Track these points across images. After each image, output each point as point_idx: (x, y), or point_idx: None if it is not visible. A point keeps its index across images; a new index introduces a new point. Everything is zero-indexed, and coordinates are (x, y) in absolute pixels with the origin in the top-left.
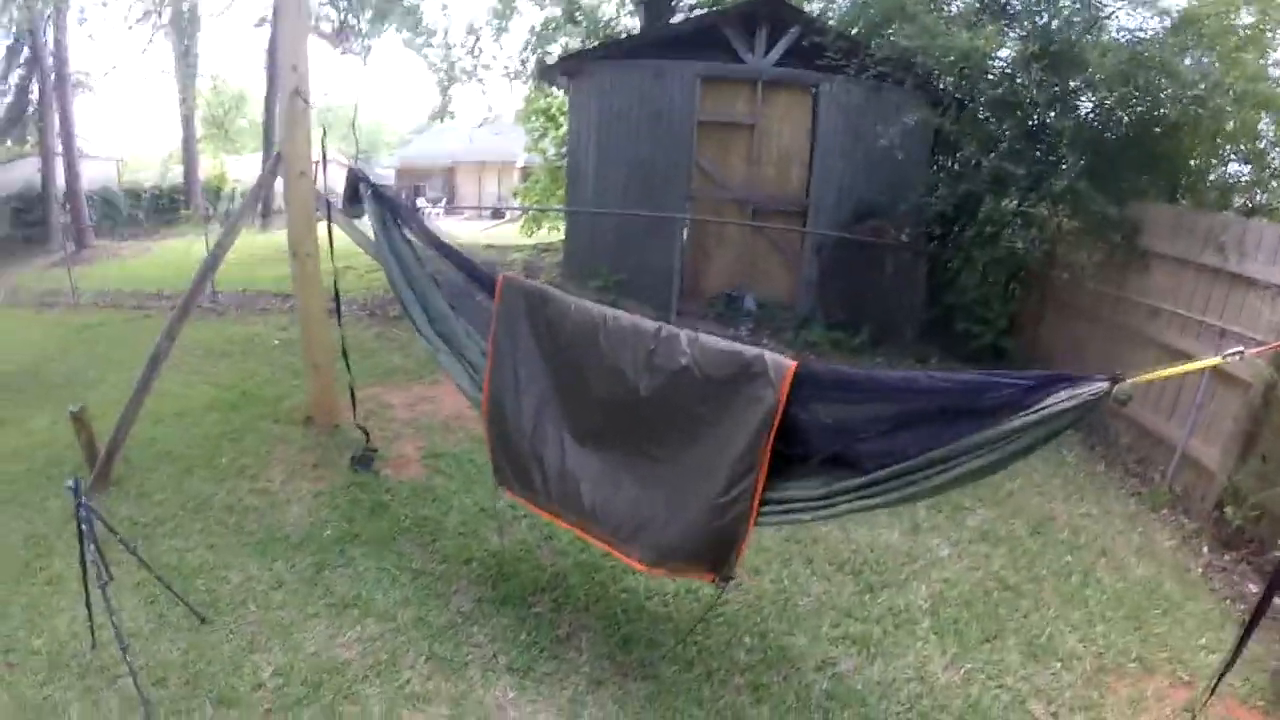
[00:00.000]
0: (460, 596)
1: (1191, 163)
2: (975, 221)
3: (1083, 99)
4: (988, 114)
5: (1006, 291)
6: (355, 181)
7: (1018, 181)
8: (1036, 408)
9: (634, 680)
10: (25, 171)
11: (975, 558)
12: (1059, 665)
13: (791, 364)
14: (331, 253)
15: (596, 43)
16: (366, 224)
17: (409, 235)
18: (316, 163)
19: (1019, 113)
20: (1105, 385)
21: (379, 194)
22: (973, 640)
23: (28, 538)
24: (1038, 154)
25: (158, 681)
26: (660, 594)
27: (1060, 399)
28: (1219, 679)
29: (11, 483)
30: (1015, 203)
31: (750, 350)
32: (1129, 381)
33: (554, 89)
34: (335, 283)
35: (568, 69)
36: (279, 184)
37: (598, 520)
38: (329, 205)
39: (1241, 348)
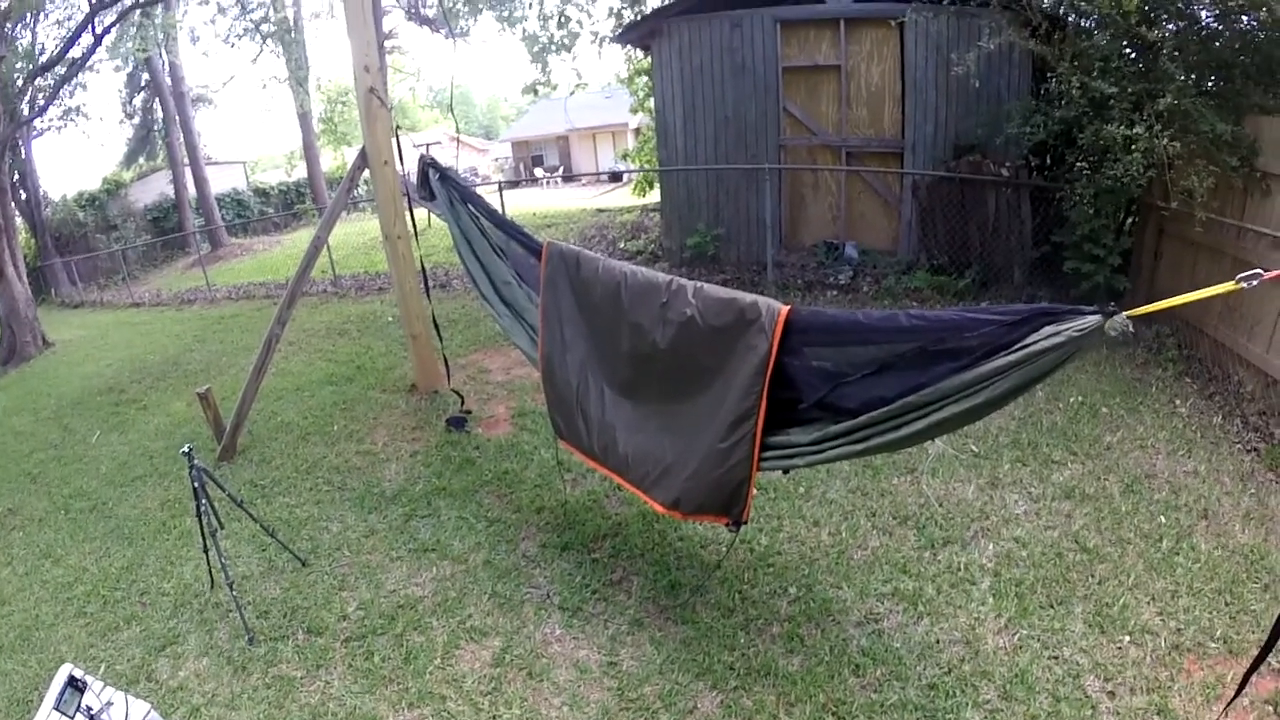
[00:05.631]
0: (527, 542)
1: None
2: (1075, 150)
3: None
4: (1081, 29)
5: (1120, 227)
6: (425, 169)
7: (1119, 102)
8: (1018, 346)
9: (674, 623)
10: (159, 184)
11: (1055, 516)
12: (1127, 639)
13: (783, 309)
14: (415, 232)
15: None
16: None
17: (475, 211)
18: (429, 145)
19: (1117, 24)
20: (1096, 319)
21: (446, 177)
22: (1034, 605)
23: (164, 502)
24: (1138, 71)
25: (261, 614)
26: (715, 543)
27: (1045, 335)
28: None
29: (153, 458)
30: (1117, 127)
31: (746, 298)
32: (1123, 315)
33: (639, 51)
34: (421, 261)
35: (647, 29)
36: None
37: (630, 466)
38: (408, 190)
39: (1260, 269)
